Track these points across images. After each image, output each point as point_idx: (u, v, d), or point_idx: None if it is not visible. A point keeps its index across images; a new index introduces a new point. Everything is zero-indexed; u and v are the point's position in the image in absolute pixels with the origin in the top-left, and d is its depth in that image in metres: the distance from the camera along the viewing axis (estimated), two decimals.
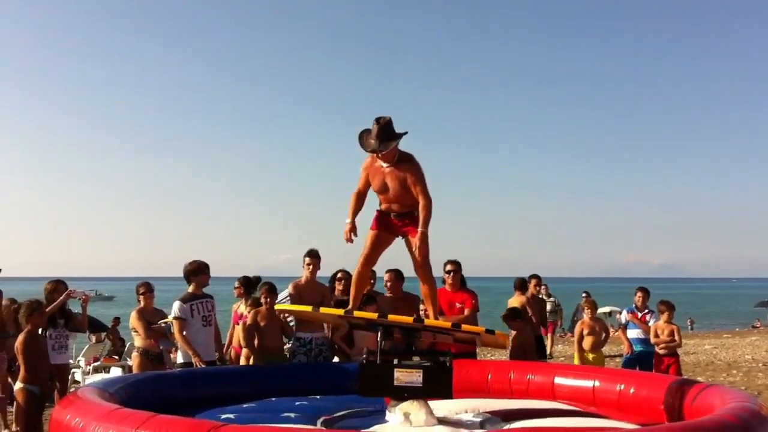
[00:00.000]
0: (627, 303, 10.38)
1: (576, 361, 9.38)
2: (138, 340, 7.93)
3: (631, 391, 5.79)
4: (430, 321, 5.48)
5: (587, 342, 9.06)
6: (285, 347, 7.76)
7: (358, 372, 5.02)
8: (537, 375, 6.49)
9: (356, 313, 5.61)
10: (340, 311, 5.68)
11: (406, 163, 5.31)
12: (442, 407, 5.16)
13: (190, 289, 7.36)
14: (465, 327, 5.60)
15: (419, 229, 5.24)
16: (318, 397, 6.13)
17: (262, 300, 7.35)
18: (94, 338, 15.78)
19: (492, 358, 13.89)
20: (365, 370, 4.95)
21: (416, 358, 5.07)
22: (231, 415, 5.13)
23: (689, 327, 36.35)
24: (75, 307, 8.12)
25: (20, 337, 6.33)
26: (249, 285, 8.64)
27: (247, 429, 3.86)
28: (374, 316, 5.71)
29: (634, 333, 9.55)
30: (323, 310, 5.98)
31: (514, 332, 8.12)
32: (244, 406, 5.66)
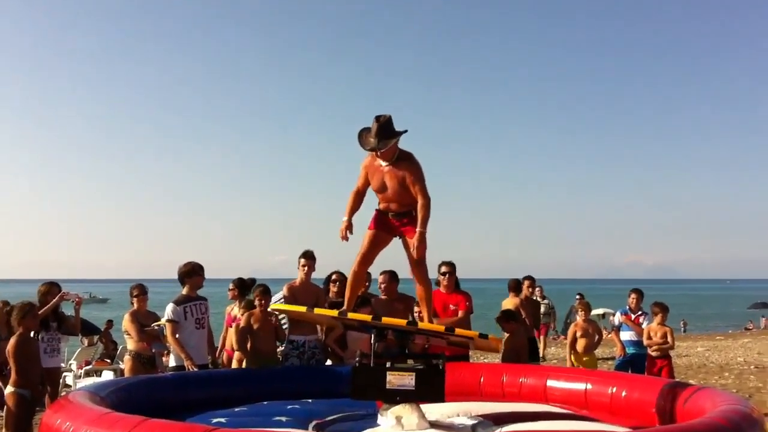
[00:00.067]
0: (621, 305, 10.39)
1: (568, 364, 9.38)
2: (130, 343, 7.89)
3: (623, 393, 5.80)
4: (424, 324, 5.47)
5: (580, 344, 9.06)
6: (278, 350, 7.75)
7: (350, 375, 5.01)
8: (529, 378, 6.50)
9: (350, 315, 5.60)
10: (335, 312, 5.67)
11: (405, 161, 5.27)
12: (434, 410, 5.15)
13: (185, 291, 7.34)
14: (458, 331, 5.59)
15: (417, 229, 5.20)
16: (310, 400, 6.12)
17: (256, 302, 7.34)
18: (86, 341, 15.70)
19: (485, 360, 13.89)
20: (358, 373, 4.94)
21: (409, 361, 5.07)
22: (222, 419, 5.11)
23: (682, 329, 36.46)
24: (68, 310, 8.08)
25: (12, 340, 6.29)
26: (243, 287, 8.62)
27: None
28: (368, 318, 5.71)
29: (627, 335, 9.55)
30: (318, 310, 5.97)
31: (507, 334, 8.13)
32: (236, 409, 5.64)
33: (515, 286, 9.83)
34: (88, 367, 13.45)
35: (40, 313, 6.95)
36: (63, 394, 6.98)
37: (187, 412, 5.42)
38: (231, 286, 8.79)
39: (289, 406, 5.69)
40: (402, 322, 5.53)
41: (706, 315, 55.35)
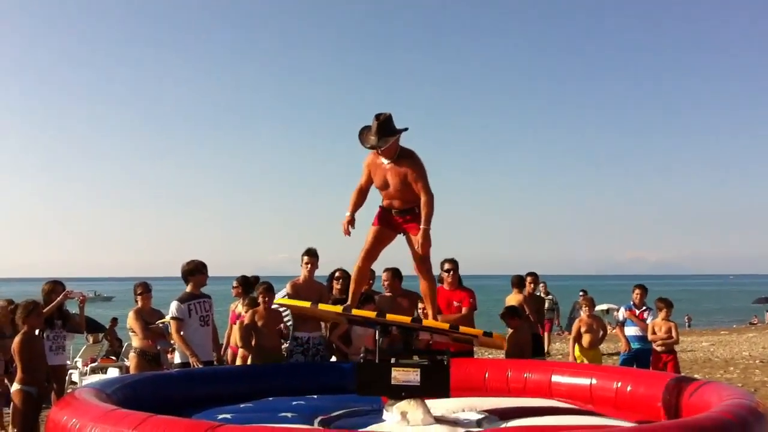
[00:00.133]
0: (625, 300, 10.39)
1: (570, 358, 9.38)
2: (135, 341, 7.91)
3: (628, 388, 5.79)
4: (428, 321, 5.48)
5: (585, 340, 9.05)
6: (282, 347, 7.76)
7: (355, 371, 5.01)
8: (534, 373, 6.49)
9: (354, 312, 5.61)
10: (339, 308, 5.68)
11: (407, 159, 5.29)
12: (439, 406, 5.15)
13: (188, 289, 7.36)
14: (463, 329, 5.61)
15: (421, 227, 5.22)
16: (315, 396, 6.12)
17: (260, 299, 7.35)
18: (91, 339, 15.76)
19: (489, 356, 13.90)
20: (363, 369, 4.95)
21: (414, 357, 5.07)
22: (228, 415, 5.12)
23: (686, 324, 36.43)
24: (73, 308, 8.11)
25: (17, 339, 6.32)
26: (247, 285, 8.63)
27: (245, 429, 3.85)
28: (373, 314, 5.71)
29: (631, 330, 9.55)
30: (322, 306, 5.98)
31: (510, 330, 8.13)
32: (242, 406, 5.65)
33: (518, 282, 9.84)
34: (93, 365, 13.49)
35: (44, 311, 6.98)
36: (69, 391, 7.00)
37: (193, 409, 5.44)
38: (235, 283, 8.80)
39: (294, 402, 5.69)
40: (406, 319, 5.53)
41: (710, 310, 55.29)
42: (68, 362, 10.39)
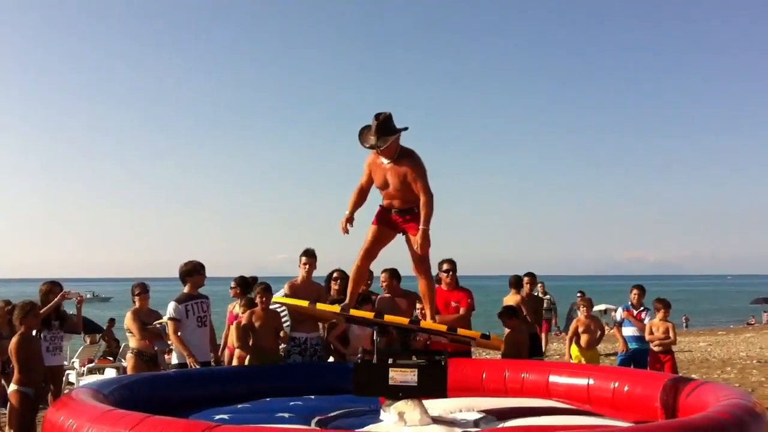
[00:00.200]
0: (623, 300, 10.39)
1: (566, 358, 9.39)
2: (133, 341, 7.90)
3: (626, 388, 5.80)
4: (427, 323, 5.47)
5: (582, 340, 9.06)
6: (280, 347, 7.75)
7: (353, 371, 5.01)
8: (532, 373, 6.49)
9: (352, 312, 5.61)
10: (337, 308, 5.68)
11: (407, 158, 5.28)
12: (436, 406, 5.15)
13: (186, 289, 7.35)
14: (461, 331, 5.61)
15: (420, 227, 5.21)
16: (313, 397, 6.12)
17: (257, 300, 7.34)
18: (88, 339, 15.73)
19: (487, 356, 13.90)
20: (360, 369, 4.95)
21: (412, 358, 5.07)
22: (225, 416, 5.11)
23: (684, 324, 36.45)
24: (70, 309, 8.09)
25: (14, 339, 6.31)
26: (245, 285, 8.61)
27: (242, 429, 3.85)
28: (371, 315, 5.71)
29: (629, 331, 9.55)
30: (320, 305, 5.98)
31: (507, 330, 8.13)
32: (239, 406, 5.65)
33: (516, 282, 9.82)
34: (90, 365, 13.47)
35: (41, 312, 6.96)
36: (66, 391, 6.99)
37: (190, 409, 5.44)
38: (233, 284, 8.79)
39: (291, 403, 5.69)
40: (404, 320, 5.53)
41: (707, 310, 55.35)
42: (65, 363, 10.37)
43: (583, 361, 8.84)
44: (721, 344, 22.20)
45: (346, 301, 5.64)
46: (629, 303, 9.73)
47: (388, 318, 5.49)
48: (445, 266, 7.81)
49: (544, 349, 14.68)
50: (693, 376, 10.96)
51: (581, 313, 9.37)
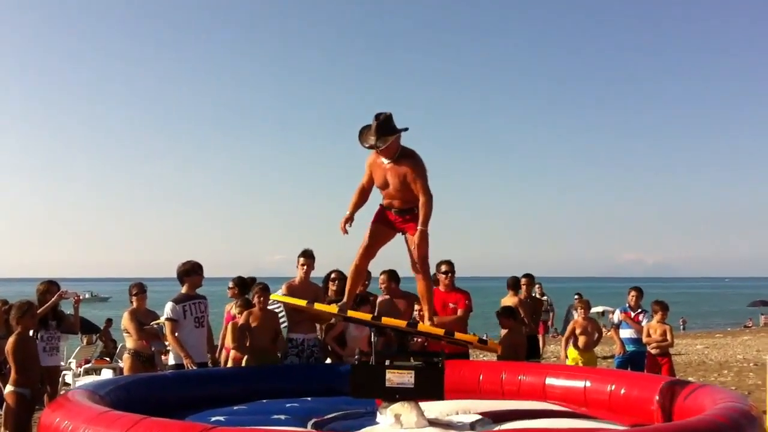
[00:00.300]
0: (621, 303, 10.41)
1: (562, 358, 9.39)
2: (130, 342, 7.89)
3: (622, 391, 5.79)
4: (424, 326, 5.46)
5: (580, 342, 9.06)
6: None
7: (349, 373, 5.00)
8: (528, 375, 6.49)
9: (350, 313, 5.60)
10: (334, 308, 5.67)
11: (407, 159, 5.26)
12: (433, 408, 5.15)
13: (184, 289, 7.35)
14: (458, 335, 5.60)
15: (419, 227, 5.19)
16: (309, 398, 6.12)
17: (255, 300, 7.33)
18: (85, 340, 15.73)
19: (484, 358, 13.90)
20: (357, 371, 4.94)
21: (410, 359, 5.06)
22: (221, 417, 5.10)
23: (681, 327, 36.53)
24: (68, 309, 8.08)
25: (11, 339, 6.30)
26: (243, 286, 8.60)
27: (238, 431, 3.85)
28: (368, 317, 5.70)
29: (626, 333, 9.55)
30: (318, 305, 5.97)
31: (504, 330, 8.13)
32: (235, 408, 5.64)
33: (514, 284, 9.82)
34: (87, 366, 13.48)
35: (39, 312, 6.95)
36: (62, 392, 6.98)
37: (187, 411, 5.42)
38: (231, 284, 8.78)
39: (288, 405, 5.69)
40: (402, 323, 5.51)
41: (705, 313, 55.43)
42: (62, 363, 10.36)
43: (581, 363, 8.84)
44: (719, 347, 22.25)
45: (344, 299, 5.63)
46: (627, 305, 9.73)
47: (385, 320, 5.48)
48: (443, 268, 7.82)
49: (541, 351, 14.72)
50: (690, 378, 10.96)
51: (578, 315, 9.38)
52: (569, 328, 9.33)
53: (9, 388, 6.22)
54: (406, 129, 5.23)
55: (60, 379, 9.10)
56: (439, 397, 4.88)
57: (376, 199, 5.58)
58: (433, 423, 4.85)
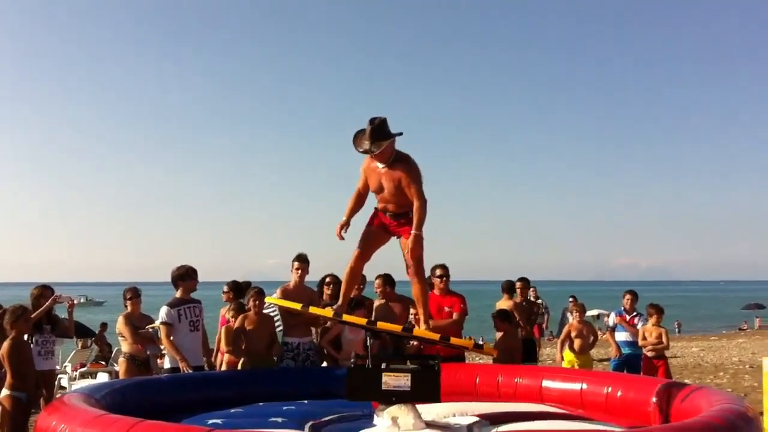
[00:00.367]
0: (616, 306, 10.43)
1: (557, 361, 9.40)
2: (125, 346, 7.87)
3: (619, 393, 5.80)
4: (419, 331, 5.46)
5: (575, 345, 9.07)
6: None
7: (346, 376, 4.99)
8: (525, 378, 6.49)
9: (346, 317, 5.59)
10: (329, 312, 5.66)
11: (401, 163, 5.25)
12: (430, 411, 5.14)
13: (178, 294, 7.34)
14: (454, 340, 5.60)
15: (412, 231, 5.18)
16: (306, 401, 6.11)
17: (250, 303, 7.32)
18: (80, 344, 15.67)
19: (480, 361, 13.90)
20: (353, 374, 4.93)
21: (406, 362, 5.05)
22: (218, 420, 5.09)
23: (676, 329, 36.60)
24: (62, 313, 8.06)
25: (5, 344, 6.28)
26: (238, 290, 8.58)
27: None
28: (364, 321, 5.69)
29: (622, 336, 9.57)
30: (313, 309, 5.96)
31: (499, 333, 8.14)
32: (232, 411, 5.62)
33: (509, 287, 9.84)
34: (82, 369, 13.42)
35: (33, 316, 6.93)
36: (58, 396, 6.95)
37: (183, 414, 5.40)
38: (225, 288, 8.76)
39: (284, 408, 5.67)
40: (397, 327, 5.50)
41: (700, 316, 55.52)
42: (57, 367, 10.32)
43: (577, 366, 8.85)
44: (714, 349, 22.29)
45: (339, 302, 5.63)
46: (622, 308, 9.76)
47: (381, 325, 5.47)
48: (438, 272, 7.82)
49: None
50: (686, 381, 10.98)
51: (574, 318, 9.39)
52: (565, 331, 9.34)
53: (5, 392, 6.21)
54: (400, 133, 5.22)
55: (56, 382, 9.07)
56: (435, 400, 4.88)
57: (372, 202, 5.59)
58: (430, 425, 4.84)
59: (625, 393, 5.76)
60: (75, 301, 8.26)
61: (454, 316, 7.59)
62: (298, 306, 5.99)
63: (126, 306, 8.02)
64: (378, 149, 5.14)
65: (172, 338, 7.08)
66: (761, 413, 6.74)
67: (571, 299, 17.21)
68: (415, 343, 6.73)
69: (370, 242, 5.50)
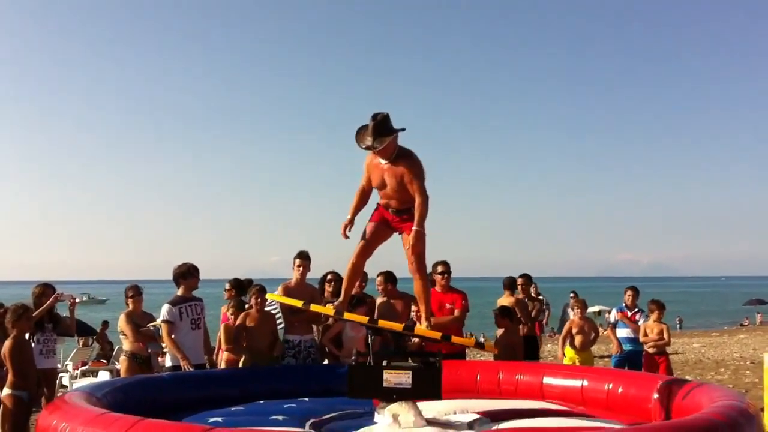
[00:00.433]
0: (616, 302, 10.41)
1: (559, 357, 9.39)
2: (126, 344, 7.87)
3: (620, 390, 5.80)
4: (421, 329, 5.45)
5: (576, 341, 9.06)
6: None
7: (347, 374, 5.00)
8: (526, 375, 6.49)
9: (347, 316, 5.58)
10: (330, 310, 5.65)
11: (404, 159, 5.22)
12: (431, 408, 5.14)
13: (180, 291, 7.34)
14: (455, 339, 5.60)
15: (414, 228, 5.16)
16: (307, 399, 6.11)
17: (252, 301, 7.31)
18: (81, 342, 15.67)
19: (481, 358, 13.91)
20: (354, 371, 4.94)
21: (408, 359, 5.05)
22: (219, 419, 5.10)
23: (678, 326, 36.61)
24: (63, 311, 8.06)
25: (7, 343, 6.28)
26: (240, 287, 8.58)
27: None
28: (365, 319, 5.69)
29: (623, 332, 9.56)
30: (314, 307, 5.96)
31: (501, 330, 8.13)
32: (233, 409, 5.63)
33: (510, 284, 9.81)
34: (84, 368, 13.43)
35: (34, 315, 6.93)
36: (59, 394, 6.96)
37: (184, 412, 5.41)
38: (227, 286, 8.76)
39: (285, 405, 5.68)
40: (399, 326, 5.49)
41: (701, 312, 55.53)
42: (59, 366, 10.33)
43: (577, 363, 8.84)
44: (715, 345, 22.29)
45: (340, 298, 5.61)
46: (623, 304, 9.74)
47: (382, 323, 5.46)
48: (439, 268, 7.81)
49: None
50: (687, 377, 10.99)
51: (575, 315, 9.38)
52: (566, 327, 9.33)
53: (6, 391, 6.21)
54: (403, 129, 5.20)
55: (57, 381, 9.08)
56: (436, 397, 4.88)
57: (375, 198, 5.58)
58: (431, 422, 4.85)
59: (626, 390, 5.77)
60: (77, 300, 8.26)
61: (456, 312, 7.59)
62: (299, 303, 5.99)
63: (128, 304, 8.02)
64: (381, 145, 5.11)
65: (173, 336, 7.08)
66: (762, 409, 6.74)
67: (572, 295, 17.19)
68: (416, 340, 6.73)
69: (372, 238, 5.48)
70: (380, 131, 5.10)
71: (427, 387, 4.80)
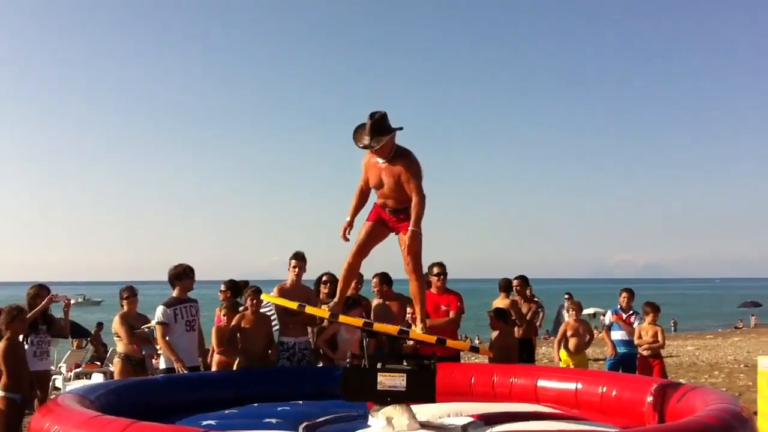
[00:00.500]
0: (612, 304, 10.41)
1: (555, 360, 9.39)
2: (120, 346, 7.85)
3: (614, 393, 5.80)
4: (415, 333, 5.45)
5: (571, 344, 9.06)
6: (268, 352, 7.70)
7: (341, 376, 4.99)
8: (520, 378, 6.50)
9: (342, 318, 5.57)
10: (326, 312, 5.64)
11: (402, 158, 5.21)
12: (425, 411, 5.14)
13: (175, 293, 7.32)
14: (450, 343, 5.58)
15: (410, 228, 5.14)
16: (301, 402, 6.10)
17: (248, 303, 7.29)
18: (75, 344, 15.61)
19: (476, 361, 13.90)
20: (349, 374, 4.93)
21: (403, 362, 5.05)
22: (212, 422, 5.09)
23: (672, 328, 36.63)
24: (58, 312, 8.03)
25: (1, 345, 6.25)
26: (236, 288, 8.54)
27: None
28: (360, 322, 5.68)
29: (618, 334, 9.54)
30: (309, 309, 5.95)
31: (495, 333, 8.14)
32: (226, 412, 5.62)
33: (506, 285, 9.80)
34: (77, 370, 13.39)
35: (28, 316, 6.90)
36: (52, 397, 6.93)
37: (177, 415, 5.40)
38: (223, 287, 8.73)
39: (279, 408, 5.67)
40: (394, 329, 5.49)
41: (696, 314, 55.61)
42: (52, 368, 10.29)
43: (572, 365, 8.84)
44: (709, 348, 22.32)
45: (336, 298, 5.60)
46: (618, 306, 9.74)
47: (377, 326, 5.45)
48: (435, 269, 7.81)
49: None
50: (681, 380, 10.99)
51: (570, 317, 9.37)
52: (561, 330, 9.32)
53: (0, 393, 6.17)
54: (400, 128, 5.18)
55: (50, 383, 9.04)
56: (430, 400, 4.87)
57: (374, 198, 5.57)
58: (424, 426, 4.84)
59: (620, 393, 5.77)
60: (72, 301, 8.23)
61: (451, 314, 7.58)
62: (294, 305, 5.98)
63: (122, 305, 8.00)
64: (378, 144, 5.11)
65: (167, 338, 7.06)
66: (756, 413, 6.76)
67: (566, 296, 17.18)
68: (411, 342, 6.73)
69: (368, 238, 5.46)
70: (377, 130, 5.09)
71: (421, 390, 4.80)
